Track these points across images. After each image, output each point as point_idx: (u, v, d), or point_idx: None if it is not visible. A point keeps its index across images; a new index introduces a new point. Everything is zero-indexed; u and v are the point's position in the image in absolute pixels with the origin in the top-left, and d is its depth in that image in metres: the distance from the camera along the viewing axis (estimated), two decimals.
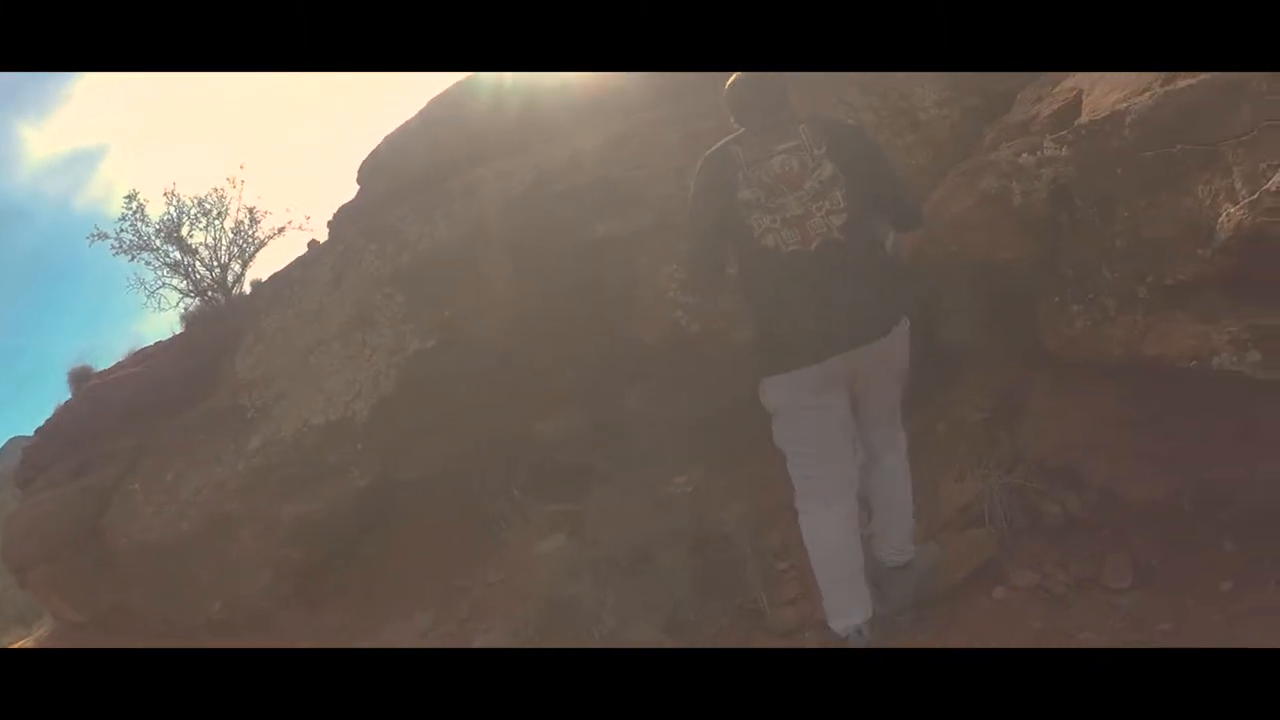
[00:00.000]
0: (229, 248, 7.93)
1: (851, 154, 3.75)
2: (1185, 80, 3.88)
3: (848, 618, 3.90)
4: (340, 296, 6.73)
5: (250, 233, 8.02)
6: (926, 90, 5.50)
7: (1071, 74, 4.81)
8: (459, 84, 7.33)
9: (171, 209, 7.98)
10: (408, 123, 7.56)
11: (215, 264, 7.87)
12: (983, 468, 4.65)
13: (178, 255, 7.83)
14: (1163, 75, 4.02)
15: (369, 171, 7.58)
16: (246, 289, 8.05)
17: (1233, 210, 3.55)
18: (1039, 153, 4.34)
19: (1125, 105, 4.07)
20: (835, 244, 3.64)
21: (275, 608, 6.53)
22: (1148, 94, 4.01)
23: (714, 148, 3.90)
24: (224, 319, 7.79)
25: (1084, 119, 4.33)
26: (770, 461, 5.54)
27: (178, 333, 7.97)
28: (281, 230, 8.09)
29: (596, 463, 5.72)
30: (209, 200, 8.00)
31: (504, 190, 5.98)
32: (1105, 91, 4.34)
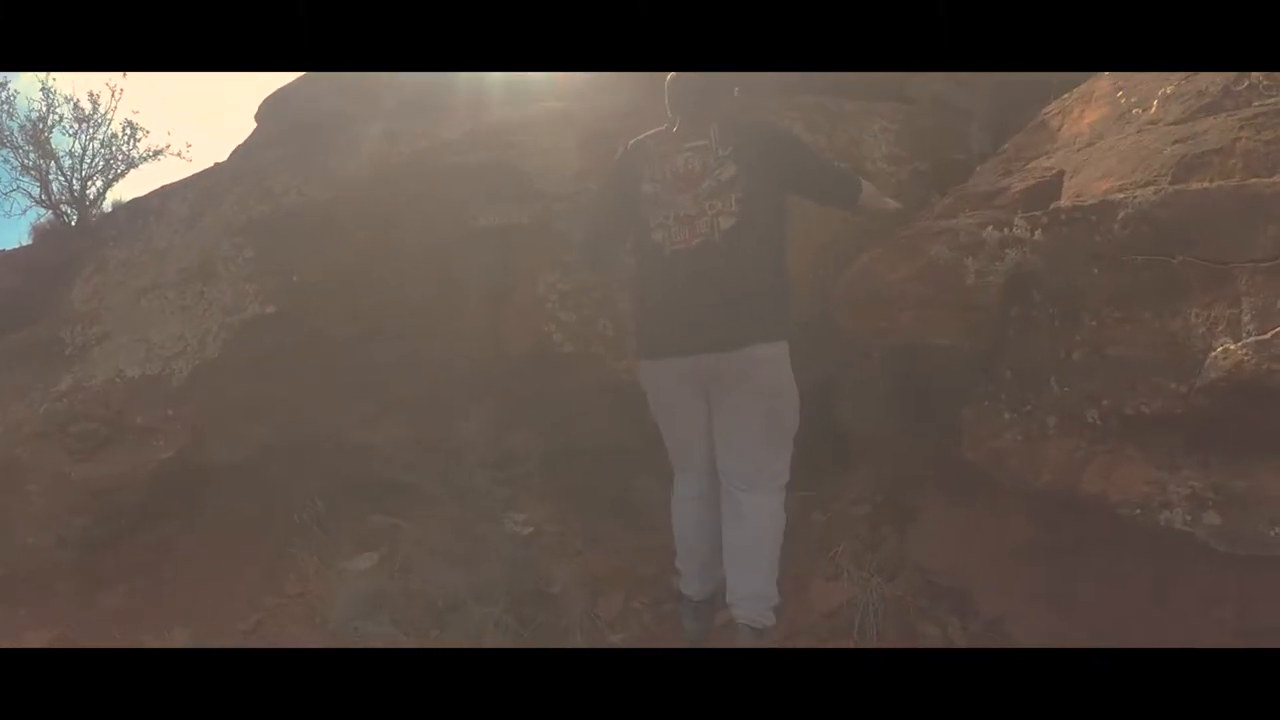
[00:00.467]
0: (93, 161, 6.66)
1: (759, 154, 3.48)
2: (1201, 182, 3.00)
3: (686, 587, 3.78)
4: (190, 239, 5.57)
5: (125, 149, 6.77)
6: (878, 141, 4.65)
7: (1051, 153, 3.93)
8: None
9: (41, 105, 6.72)
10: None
11: (76, 176, 6.60)
12: (862, 570, 3.90)
13: (36, 158, 6.53)
14: (1171, 170, 3.17)
15: (268, 109, 6.42)
16: (108, 209, 6.77)
17: (1233, 348, 2.77)
18: (1006, 229, 3.41)
19: (1121, 196, 3.16)
20: (713, 247, 3.41)
21: (54, 577, 5.33)
22: (1151, 188, 3.12)
23: (636, 138, 3.74)
24: (72, 239, 6.55)
25: (1066, 202, 3.42)
26: (633, 518, 4.67)
27: (20, 245, 6.69)
28: (158, 154, 6.83)
29: (426, 483, 4.66)
30: (85, 103, 6.73)
31: (387, 153, 4.90)
32: (1096, 176, 3.44)
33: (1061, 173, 3.66)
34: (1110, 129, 3.75)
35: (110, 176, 6.71)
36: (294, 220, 5.04)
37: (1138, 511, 3.01)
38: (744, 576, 3.51)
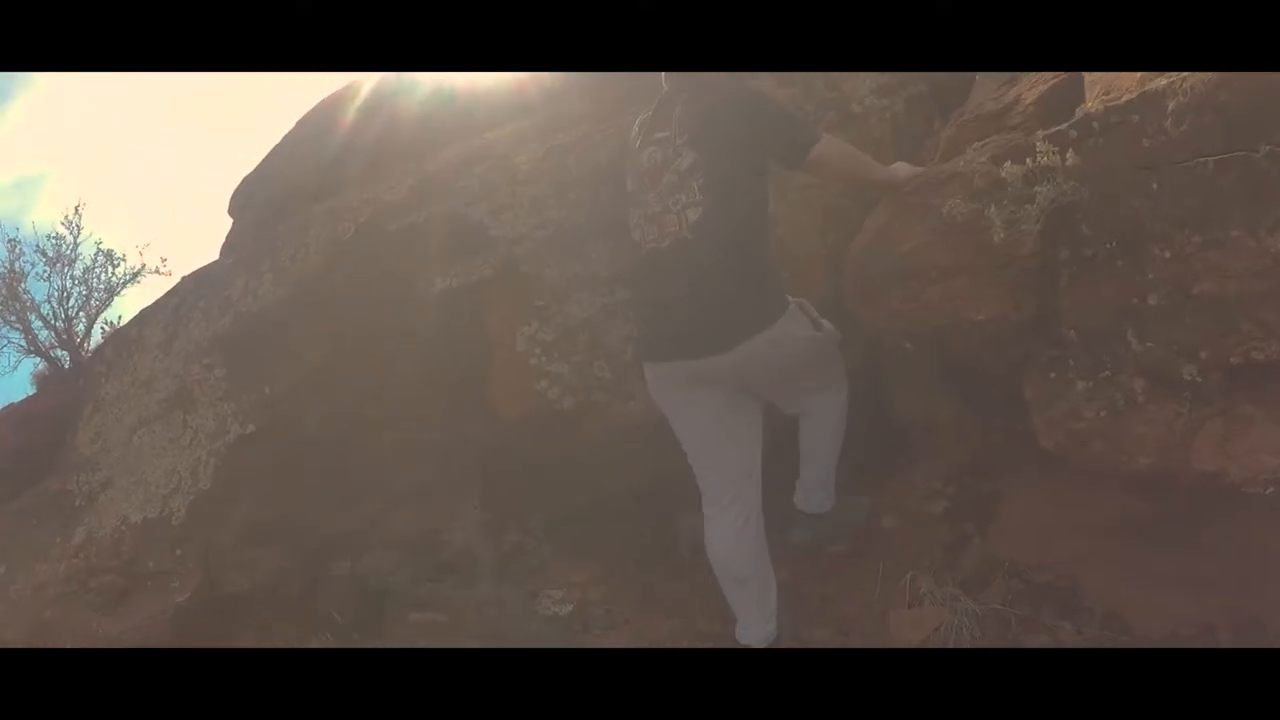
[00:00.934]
0: (73, 300, 6.02)
1: (722, 130, 2.94)
2: None
3: (746, 630, 3.26)
4: (168, 365, 4.90)
5: (105, 278, 6.13)
6: (860, 76, 3.79)
7: None
8: (328, 98, 5.55)
9: (6, 257, 6.10)
10: (279, 143, 5.73)
11: (58, 318, 5.96)
12: (944, 585, 3.20)
13: (16, 309, 5.92)
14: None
15: (237, 199, 5.75)
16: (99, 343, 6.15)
17: None
18: (1029, 160, 2.57)
19: (1166, 83, 2.32)
20: (684, 244, 2.96)
21: None
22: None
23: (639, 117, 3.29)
24: (70, 382, 5.92)
25: (1094, 105, 2.58)
26: (680, 563, 3.94)
27: (16, 400, 6.05)
28: (136, 276, 6.18)
29: (453, 573, 3.96)
30: (49, 244, 6.09)
31: (332, 234, 4.18)
32: None
33: None
34: None
35: (93, 310, 6.07)
36: (256, 326, 4.34)
37: (1270, 490, 2.32)
38: (818, 476, 3.46)
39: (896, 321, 2.97)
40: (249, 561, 4.41)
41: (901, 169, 3.09)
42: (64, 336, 6.01)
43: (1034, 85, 2.96)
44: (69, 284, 5.95)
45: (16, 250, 5.96)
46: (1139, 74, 2.44)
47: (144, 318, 5.47)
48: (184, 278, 5.36)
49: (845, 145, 3.05)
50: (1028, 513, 3.24)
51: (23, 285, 6.02)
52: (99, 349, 5.81)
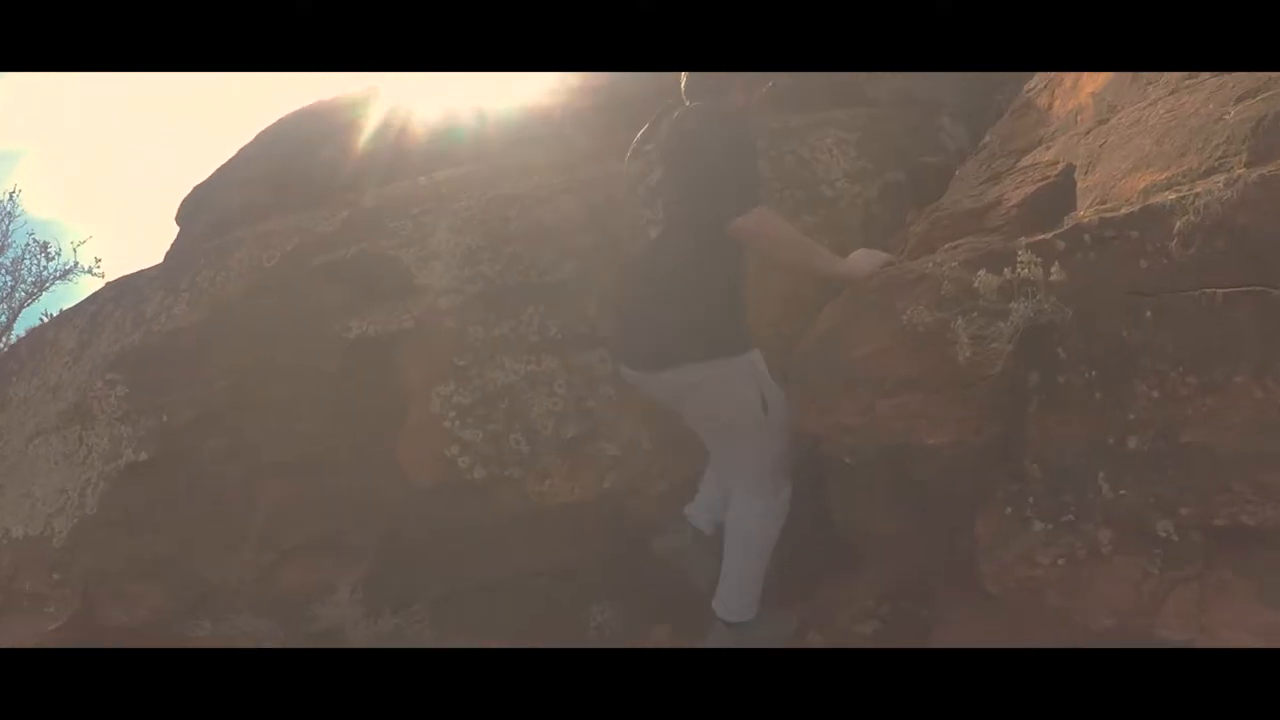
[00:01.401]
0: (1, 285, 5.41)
1: (678, 161, 2.68)
2: None
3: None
4: (75, 374, 4.34)
5: (37, 269, 5.52)
6: (834, 157, 3.40)
7: (1049, 142, 2.69)
8: (297, 113, 5.11)
9: None
10: (236, 154, 5.24)
11: None
12: None
13: None
14: (1247, 146, 1.90)
15: (186, 209, 5.25)
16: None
17: None
18: (1007, 270, 2.16)
19: (1173, 196, 1.91)
20: (648, 257, 2.85)
21: None
22: (1219, 178, 1.87)
23: None
24: None
25: (1088, 214, 2.16)
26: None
27: None
28: (66, 273, 5.59)
29: (347, 638, 3.41)
30: None
31: (256, 260, 3.67)
32: (1124, 168, 2.20)
33: (1070, 167, 2.44)
34: (1125, 96, 2.48)
35: (14, 304, 5.47)
36: (165, 348, 3.80)
37: None
38: (731, 569, 2.99)
39: (841, 435, 2.50)
40: (131, 596, 3.84)
41: (861, 260, 2.65)
42: None
43: (1020, 185, 2.53)
44: None
45: None
46: (1143, 182, 2.02)
47: (63, 320, 4.88)
48: (108, 284, 4.82)
49: (783, 227, 2.60)
50: (962, 638, 2.78)
51: None
52: (15, 346, 5.23)
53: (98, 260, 5.85)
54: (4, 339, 5.53)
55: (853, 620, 3.15)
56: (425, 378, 3.23)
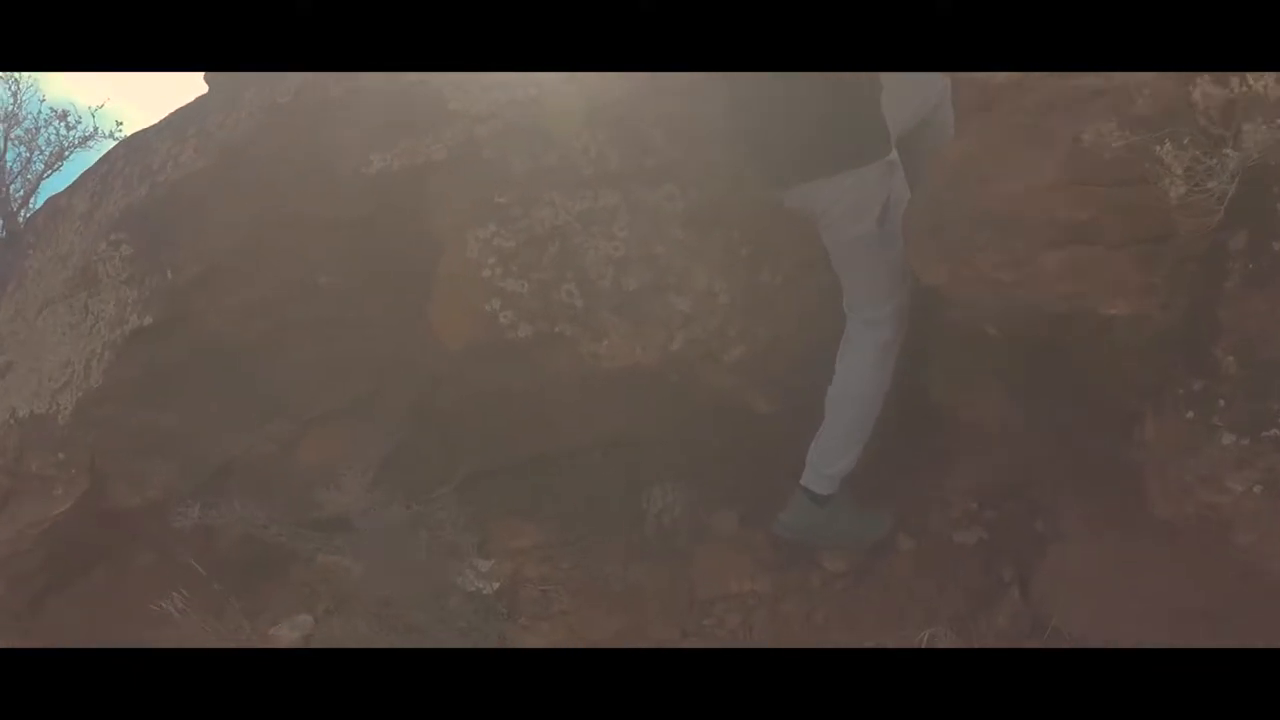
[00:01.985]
0: (15, 160, 4.85)
1: None
2: None
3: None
4: (84, 238, 3.78)
5: (58, 138, 4.95)
6: None
7: None
8: None
9: None
10: None
11: None
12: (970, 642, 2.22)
13: None
14: None
15: None
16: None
17: None
18: (1237, 85, 1.57)
19: None
20: None
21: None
22: None
23: None
24: (5, 250, 4.79)
25: None
26: (649, 543, 2.92)
27: None
28: (87, 140, 5.01)
29: (367, 521, 2.86)
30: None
31: (269, 97, 3.06)
32: None
33: None
34: None
35: (31, 176, 4.91)
36: (170, 201, 3.23)
37: None
38: (831, 424, 2.55)
39: (982, 293, 1.89)
40: (139, 475, 3.35)
41: None
42: (1, 202, 4.85)
43: None
44: (7, 144, 4.76)
45: None
46: None
47: (76, 185, 4.33)
48: (120, 142, 4.25)
49: None
50: (1086, 570, 2.19)
51: None
52: (32, 218, 4.69)
53: (119, 124, 5.29)
54: (23, 213, 4.96)
55: (951, 525, 2.60)
56: (459, 218, 2.64)
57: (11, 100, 4.89)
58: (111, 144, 5.06)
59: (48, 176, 5.05)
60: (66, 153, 5.03)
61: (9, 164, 4.87)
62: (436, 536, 2.78)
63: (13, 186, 4.92)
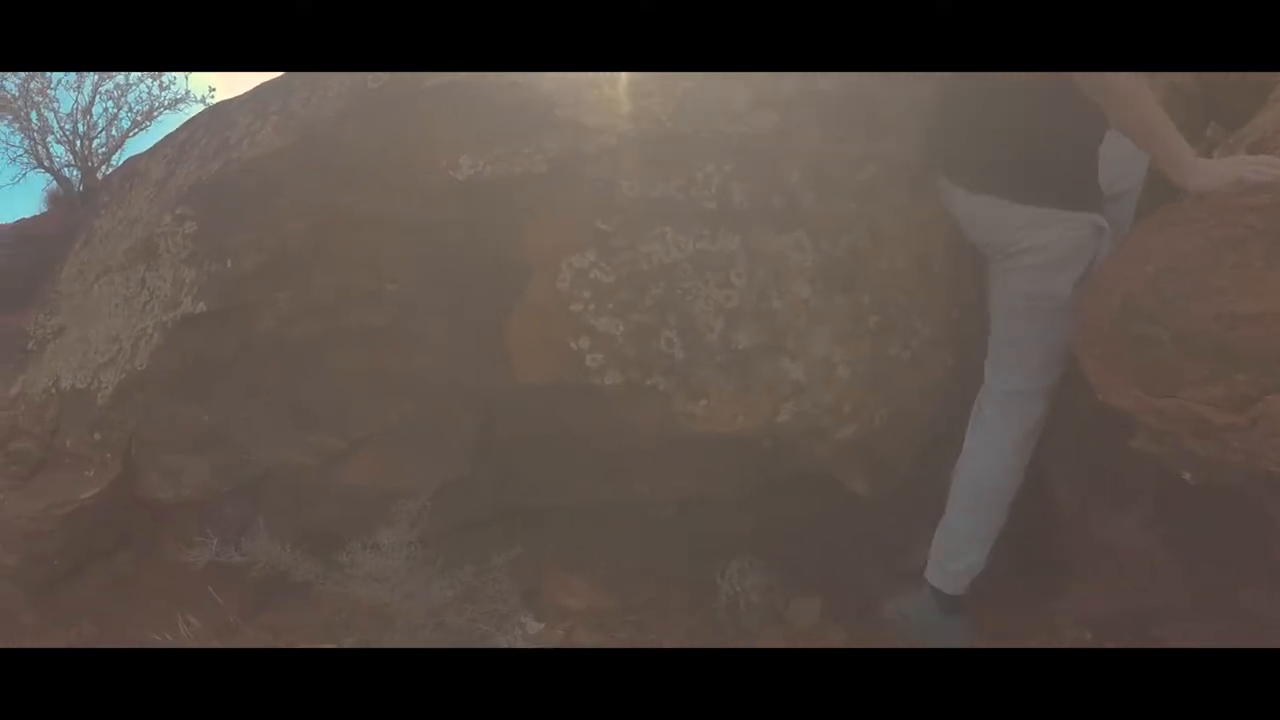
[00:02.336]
0: (97, 116, 4.57)
1: None
2: None
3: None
4: (152, 207, 3.47)
5: (151, 95, 4.67)
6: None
7: None
8: None
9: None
10: None
11: (79, 135, 4.53)
12: None
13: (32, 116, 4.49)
14: None
15: None
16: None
17: None
18: None
19: None
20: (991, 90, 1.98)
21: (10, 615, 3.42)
22: None
23: None
24: (78, 208, 4.51)
25: None
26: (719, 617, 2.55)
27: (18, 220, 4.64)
28: (176, 104, 4.72)
29: (411, 554, 2.49)
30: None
31: (360, 79, 2.70)
32: None
33: None
34: None
35: (117, 133, 4.63)
36: (241, 180, 2.90)
37: None
38: (954, 512, 2.20)
39: (1181, 431, 1.48)
40: (174, 469, 3.02)
41: (1217, 165, 1.77)
42: (83, 156, 4.57)
43: None
44: (96, 97, 4.47)
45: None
46: None
47: (156, 149, 4.05)
48: (205, 109, 3.94)
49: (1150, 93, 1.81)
50: None
51: (50, 90, 4.57)
52: (108, 177, 4.42)
53: (212, 90, 5.00)
54: (103, 169, 4.68)
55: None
56: (554, 241, 2.25)
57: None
58: (200, 109, 4.80)
59: (134, 135, 4.78)
60: (156, 113, 4.76)
61: (94, 118, 4.59)
62: (482, 589, 2.40)
63: (96, 141, 4.65)
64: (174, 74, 5.00)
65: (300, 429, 2.77)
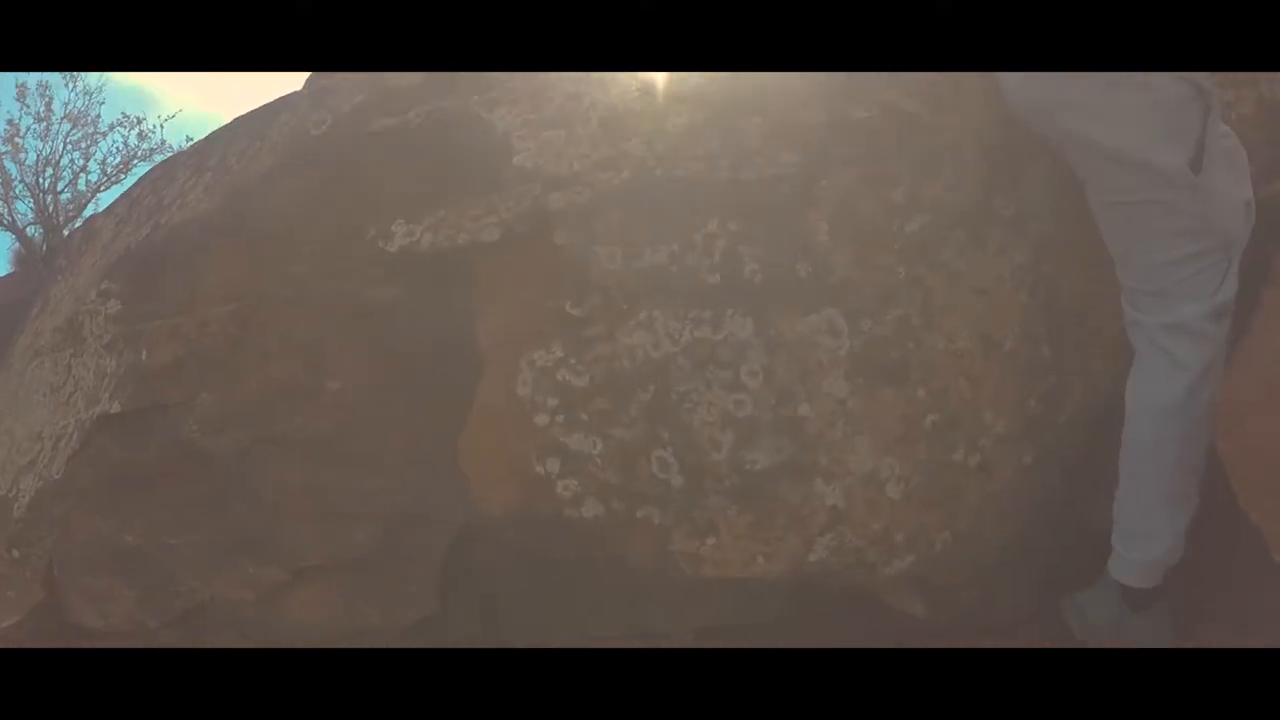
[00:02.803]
0: (69, 167, 4.24)
1: None
2: None
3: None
4: (86, 277, 3.09)
5: (126, 146, 4.35)
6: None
7: None
8: None
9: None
10: None
11: (40, 188, 4.19)
12: None
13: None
14: None
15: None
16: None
17: None
18: None
19: None
20: None
21: None
22: None
23: None
24: (39, 269, 4.18)
25: None
26: None
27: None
28: (151, 154, 4.39)
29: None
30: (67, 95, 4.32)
31: (303, 125, 2.30)
32: None
33: None
34: None
35: (85, 186, 4.30)
36: (164, 251, 2.50)
37: None
38: (1129, 490, 1.78)
39: None
40: (99, 594, 2.60)
41: None
42: (47, 212, 4.23)
43: None
44: (60, 146, 4.14)
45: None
46: None
47: (111, 208, 3.70)
48: (161, 161, 3.58)
49: None
50: None
51: (19, 139, 4.26)
52: (71, 235, 4.08)
53: (189, 139, 4.69)
54: (69, 226, 4.36)
55: None
56: (511, 332, 1.78)
57: (80, 100, 4.29)
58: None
59: (105, 189, 4.44)
60: (133, 164, 4.43)
61: (62, 169, 4.26)
62: None
63: (64, 196, 4.32)
64: (154, 123, 4.69)
65: (234, 556, 2.33)
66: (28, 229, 4.37)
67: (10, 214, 4.29)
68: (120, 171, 4.51)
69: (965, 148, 1.75)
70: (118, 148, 4.49)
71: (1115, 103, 1.61)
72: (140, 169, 4.56)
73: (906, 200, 1.74)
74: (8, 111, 4.16)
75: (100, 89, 4.51)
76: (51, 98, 4.28)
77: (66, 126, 4.37)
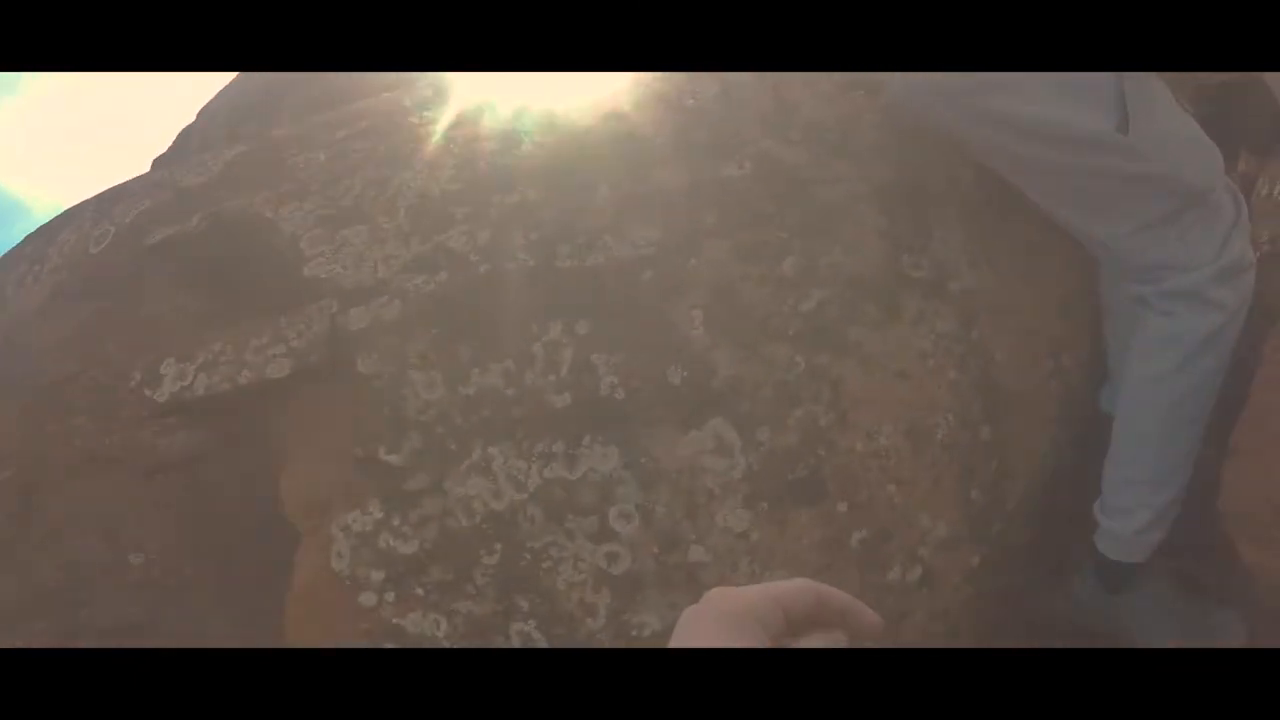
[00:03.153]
0: None
1: None
2: None
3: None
4: None
5: None
6: None
7: None
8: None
9: None
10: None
11: None
12: None
13: None
14: None
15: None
16: None
17: None
18: None
19: None
20: None
21: None
22: None
23: None
24: None
25: None
26: None
27: None
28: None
29: None
30: None
31: (84, 241, 1.97)
32: None
33: None
34: None
35: None
36: None
37: None
38: (1121, 444, 1.68)
39: None
40: None
41: None
42: None
43: None
44: None
45: None
46: None
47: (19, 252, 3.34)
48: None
49: None
50: None
51: None
52: None
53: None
54: None
55: None
56: (314, 490, 1.42)
57: None
58: None
59: None
60: None
61: None
62: None
63: None
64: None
65: None
66: None
67: None
68: None
69: (861, 200, 1.45)
70: None
71: (1027, 75, 1.51)
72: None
73: (798, 272, 1.42)
74: None
75: None
76: None
77: None
